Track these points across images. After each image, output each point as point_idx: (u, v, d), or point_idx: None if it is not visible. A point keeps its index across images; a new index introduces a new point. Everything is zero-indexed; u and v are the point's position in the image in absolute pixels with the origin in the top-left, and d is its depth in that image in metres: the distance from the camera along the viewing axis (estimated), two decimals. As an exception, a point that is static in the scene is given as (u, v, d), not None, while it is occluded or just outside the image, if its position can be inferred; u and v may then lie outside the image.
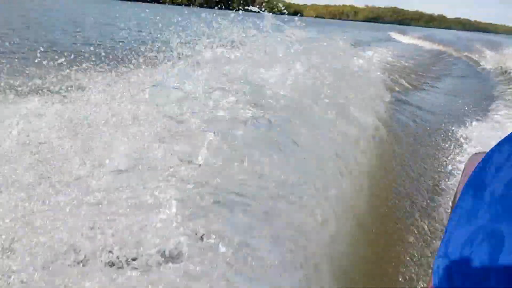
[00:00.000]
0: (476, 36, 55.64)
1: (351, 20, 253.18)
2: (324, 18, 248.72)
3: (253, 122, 3.32)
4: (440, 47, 24.06)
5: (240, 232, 2.16)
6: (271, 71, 4.55)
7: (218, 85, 3.63)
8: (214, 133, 2.80)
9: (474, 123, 7.36)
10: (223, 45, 5.02)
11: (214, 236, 2.02)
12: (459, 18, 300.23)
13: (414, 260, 3.55)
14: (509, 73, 14.20)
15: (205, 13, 5.67)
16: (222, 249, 2.00)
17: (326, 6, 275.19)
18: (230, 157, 2.70)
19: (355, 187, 4.24)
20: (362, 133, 5.36)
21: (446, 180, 5.23)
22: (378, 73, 10.66)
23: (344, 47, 8.22)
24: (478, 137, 6.52)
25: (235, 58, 4.64)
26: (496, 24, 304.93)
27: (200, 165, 2.54)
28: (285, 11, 7.99)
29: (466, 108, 9.00)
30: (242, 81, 3.88)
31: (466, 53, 21.74)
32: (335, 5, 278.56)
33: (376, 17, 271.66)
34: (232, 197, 2.41)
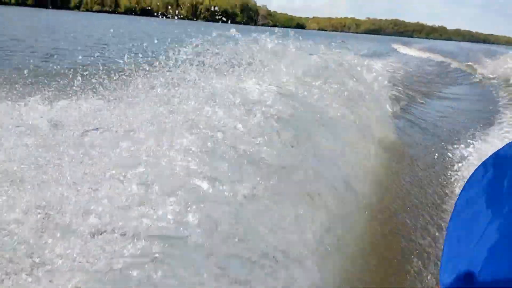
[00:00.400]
0: (478, 46, 54.44)
1: (353, 32, 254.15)
2: (326, 30, 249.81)
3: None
4: (444, 58, 23.97)
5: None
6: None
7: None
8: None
9: (481, 137, 7.31)
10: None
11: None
12: (460, 29, 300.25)
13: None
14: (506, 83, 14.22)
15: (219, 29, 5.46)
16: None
17: (329, 19, 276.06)
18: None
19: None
20: (373, 145, 5.52)
21: (452, 194, 5.23)
22: (386, 83, 10.86)
23: (352, 60, 8.22)
24: (485, 152, 6.34)
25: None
26: (497, 35, 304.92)
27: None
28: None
29: (473, 122, 8.93)
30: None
31: (470, 64, 21.59)
32: (337, 18, 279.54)
33: (377, 29, 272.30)
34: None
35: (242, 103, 3.61)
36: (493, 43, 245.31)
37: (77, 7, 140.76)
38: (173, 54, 4.16)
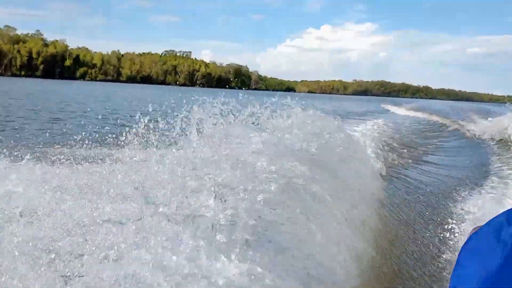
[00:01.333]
0: (463, 104, 54.60)
1: (341, 94, 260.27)
2: (315, 93, 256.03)
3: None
4: (433, 117, 24.11)
5: None
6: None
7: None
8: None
9: (472, 196, 7.32)
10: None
11: None
12: (444, 88, 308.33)
13: None
14: (502, 141, 13.96)
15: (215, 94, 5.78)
16: None
17: (317, 82, 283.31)
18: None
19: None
20: (362, 210, 5.26)
21: (448, 253, 5.20)
22: (374, 145, 10.92)
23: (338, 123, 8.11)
24: (478, 211, 6.43)
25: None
26: (480, 93, 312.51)
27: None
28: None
29: (464, 181, 8.84)
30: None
31: (459, 122, 21.58)
32: (325, 81, 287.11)
33: (364, 90, 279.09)
34: None
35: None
36: (477, 101, 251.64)
37: (82, 77, 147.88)
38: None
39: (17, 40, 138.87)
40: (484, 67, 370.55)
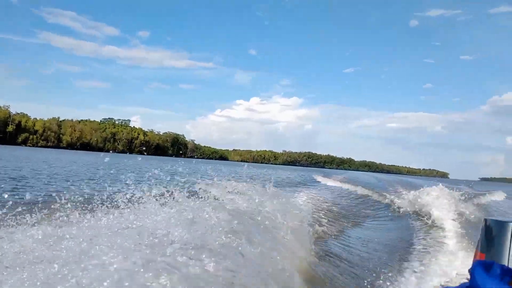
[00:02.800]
0: (389, 177, 55.09)
1: (272, 163, 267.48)
2: (248, 161, 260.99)
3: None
4: (365, 190, 24.30)
5: None
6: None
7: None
8: None
9: (399, 272, 7.22)
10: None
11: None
12: (366, 161, 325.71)
13: None
14: (422, 215, 13.96)
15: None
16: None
17: (249, 151, 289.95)
18: None
19: None
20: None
21: None
22: (305, 216, 10.05)
23: (273, 192, 8.07)
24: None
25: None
26: (398, 166, 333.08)
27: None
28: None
29: (391, 257, 8.54)
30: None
31: (385, 194, 21.70)
32: (257, 150, 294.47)
33: (293, 160, 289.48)
34: None
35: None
36: (396, 173, 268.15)
37: (24, 143, 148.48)
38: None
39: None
40: (401, 142, 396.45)
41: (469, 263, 5.46)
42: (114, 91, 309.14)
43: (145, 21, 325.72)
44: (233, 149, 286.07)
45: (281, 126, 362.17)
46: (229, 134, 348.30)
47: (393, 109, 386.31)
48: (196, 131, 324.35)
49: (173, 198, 5.04)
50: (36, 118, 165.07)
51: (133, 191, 5.19)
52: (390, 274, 7.07)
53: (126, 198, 5.00)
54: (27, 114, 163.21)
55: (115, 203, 4.98)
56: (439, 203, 13.66)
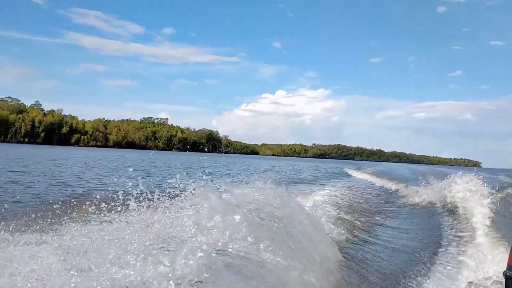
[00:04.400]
0: (423, 168, 54.64)
1: (302, 157, 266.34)
2: (279, 156, 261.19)
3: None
4: (391, 182, 23.82)
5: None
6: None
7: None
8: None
9: (426, 274, 6.96)
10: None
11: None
12: (396, 152, 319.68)
13: None
14: (453, 209, 13.43)
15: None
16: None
17: (280, 145, 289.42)
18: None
19: None
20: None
21: None
22: (329, 211, 10.57)
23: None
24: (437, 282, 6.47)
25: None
26: (429, 156, 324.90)
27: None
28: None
29: (418, 257, 8.16)
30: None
31: (413, 187, 21.02)
32: (287, 144, 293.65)
33: (323, 153, 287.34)
34: None
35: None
36: (427, 163, 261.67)
37: (77, 143, 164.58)
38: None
39: (21, 110, 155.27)
40: (429, 131, 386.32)
41: (503, 264, 5.72)
42: (140, 89, 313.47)
43: (169, 18, 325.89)
44: (263, 143, 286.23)
45: (307, 119, 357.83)
46: (255, 128, 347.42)
47: (420, 99, 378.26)
48: (222, 125, 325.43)
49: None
50: (84, 120, 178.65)
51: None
52: (420, 272, 7.02)
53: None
54: (76, 117, 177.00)
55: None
56: (471, 197, 13.22)
